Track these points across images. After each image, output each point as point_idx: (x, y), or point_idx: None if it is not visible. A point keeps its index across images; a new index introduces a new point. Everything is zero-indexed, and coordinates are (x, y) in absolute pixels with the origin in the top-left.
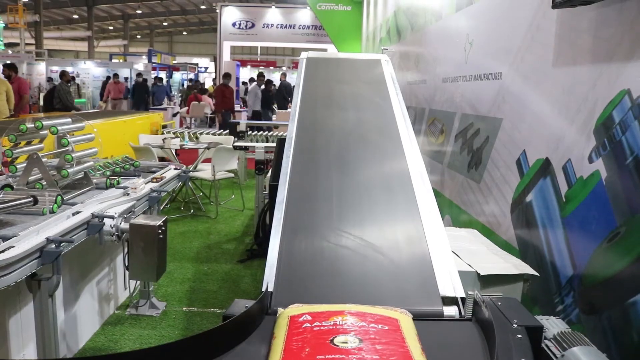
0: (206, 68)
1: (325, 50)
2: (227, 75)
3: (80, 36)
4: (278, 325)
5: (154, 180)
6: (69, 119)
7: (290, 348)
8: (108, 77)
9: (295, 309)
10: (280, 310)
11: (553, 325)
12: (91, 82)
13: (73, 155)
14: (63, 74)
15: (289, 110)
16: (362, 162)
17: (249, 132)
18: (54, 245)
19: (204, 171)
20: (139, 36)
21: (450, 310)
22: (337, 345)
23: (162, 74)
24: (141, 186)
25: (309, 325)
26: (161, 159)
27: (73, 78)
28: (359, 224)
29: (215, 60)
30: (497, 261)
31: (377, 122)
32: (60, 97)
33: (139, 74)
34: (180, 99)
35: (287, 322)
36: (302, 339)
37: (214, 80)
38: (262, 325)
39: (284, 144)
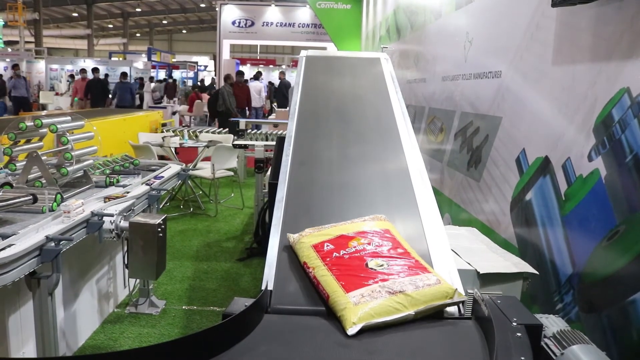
0: (206, 66)
1: (324, 48)
2: (239, 73)
3: (79, 34)
4: (306, 256)
5: (107, 199)
6: (69, 117)
7: (340, 273)
8: (106, 75)
9: (310, 237)
10: (292, 237)
11: (552, 324)
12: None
13: (72, 153)
14: (228, 77)
15: (288, 109)
16: (362, 163)
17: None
18: (53, 244)
19: (204, 169)
20: (138, 34)
21: (450, 309)
22: (374, 269)
23: (162, 72)
24: (77, 209)
25: (337, 254)
26: (161, 157)
27: (72, 76)
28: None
29: (214, 59)
30: (496, 260)
31: (377, 120)
32: (224, 100)
33: (94, 69)
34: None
35: (314, 252)
36: (343, 268)
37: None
38: (262, 324)
39: (284, 142)
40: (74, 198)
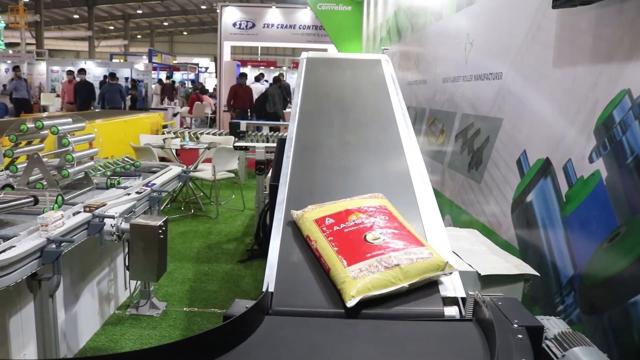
0: (207, 68)
1: (325, 50)
2: (242, 75)
3: (80, 36)
4: (309, 230)
5: (88, 208)
6: (70, 119)
7: (341, 247)
8: (105, 77)
9: (313, 212)
10: (295, 213)
11: (554, 326)
12: (91, 82)
13: (74, 155)
14: (277, 79)
15: (288, 110)
16: (363, 162)
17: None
18: (54, 245)
19: (205, 171)
20: (139, 36)
21: (451, 311)
22: (372, 243)
23: (163, 74)
24: (56, 222)
25: (337, 227)
26: (162, 159)
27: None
28: None
29: (215, 61)
30: (497, 261)
31: (378, 121)
32: (273, 102)
33: (80, 70)
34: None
35: (316, 226)
36: (342, 240)
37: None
38: (263, 326)
39: (285, 144)
40: (52, 210)
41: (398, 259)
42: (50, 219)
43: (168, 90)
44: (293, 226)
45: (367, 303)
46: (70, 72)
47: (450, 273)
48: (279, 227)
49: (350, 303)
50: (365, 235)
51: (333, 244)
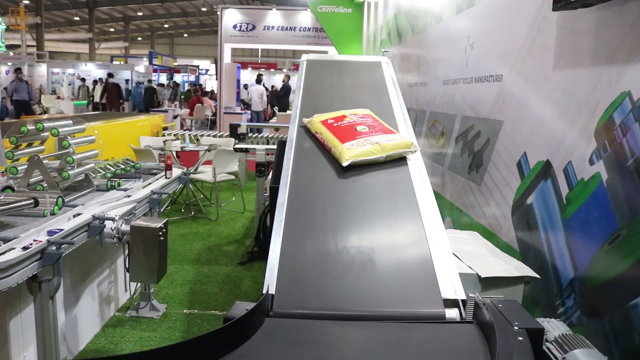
0: (207, 70)
1: (326, 52)
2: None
3: (81, 38)
4: (316, 127)
5: None
6: (70, 121)
7: (338, 134)
8: (100, 80)
9: (319, 117)
10: (305, 119)
11: (554, 328)
12: (92, 84)
13: (74, 157)
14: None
15: (289, 112)
16: (366, 171)
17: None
18: (54, 247)
19: (205, 173)
20: (139, 38)
21: (452, 313)
22: (361, 131)
23: (163, 76)
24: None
25: (336, 124)
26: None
27: (83, 79)
28: (360, 226)
29: (216, 63)
30: (498, 263)
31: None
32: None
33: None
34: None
35: (321, 125)
36: (340, 131)
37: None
38: (263, 328)
39: (285, 146)
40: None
41: (378, 139)
42: None
43: (111, 93)
44: (305, 128)
45: (369, 303)
46: None
47: (415, 151)
48: (280, 229)
49: (344, 163)
50: (356, 127)
51: (333, 133)
